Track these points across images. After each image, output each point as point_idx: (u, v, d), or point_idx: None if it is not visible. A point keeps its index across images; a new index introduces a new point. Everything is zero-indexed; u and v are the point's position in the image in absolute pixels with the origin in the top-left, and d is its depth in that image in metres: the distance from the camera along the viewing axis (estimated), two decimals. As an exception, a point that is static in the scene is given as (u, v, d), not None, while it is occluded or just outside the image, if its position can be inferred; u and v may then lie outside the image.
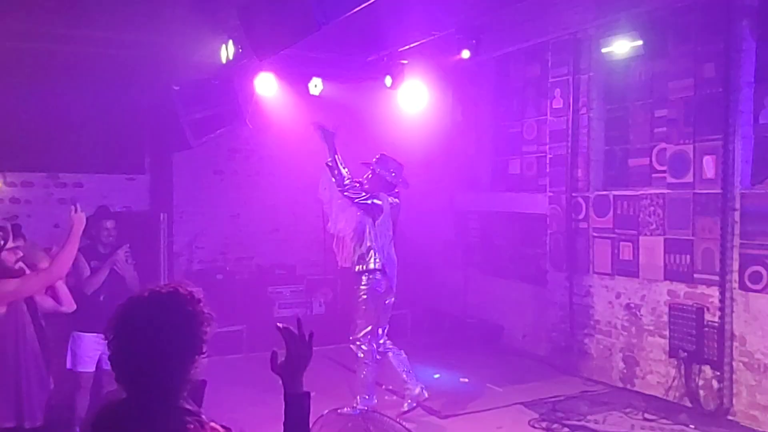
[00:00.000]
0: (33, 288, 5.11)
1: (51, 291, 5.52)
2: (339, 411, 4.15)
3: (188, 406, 2.50)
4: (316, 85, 10.27)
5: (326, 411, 3.99)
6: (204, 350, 2.56)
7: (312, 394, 2.72)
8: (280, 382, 2.76)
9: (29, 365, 5.04)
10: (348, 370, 9.19)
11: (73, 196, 10.31)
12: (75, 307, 5.80)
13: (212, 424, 2.51)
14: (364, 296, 7.69)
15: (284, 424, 2.73)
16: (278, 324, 2.78)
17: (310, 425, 3.61)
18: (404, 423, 6.64)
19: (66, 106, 9.90)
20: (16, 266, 5.18)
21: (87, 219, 5.45)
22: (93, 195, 10.56)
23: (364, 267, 7.69)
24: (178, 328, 2.46)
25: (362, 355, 7.66)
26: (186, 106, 10.11)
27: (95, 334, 6.48)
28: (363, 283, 7.70)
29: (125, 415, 2.45)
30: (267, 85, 9.70)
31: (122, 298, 2.61)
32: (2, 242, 5.14)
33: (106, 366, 6.36)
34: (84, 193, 10.61)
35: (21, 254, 5.30)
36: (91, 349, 6.72)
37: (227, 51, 8.36)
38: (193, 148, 10.50)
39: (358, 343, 7.69)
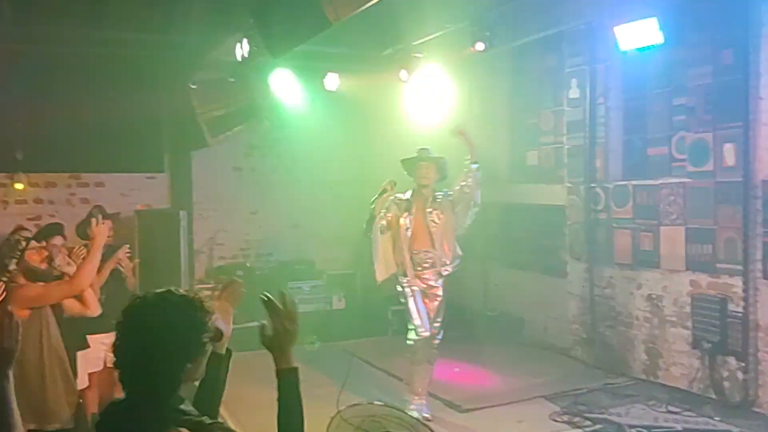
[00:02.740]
0: (55, 297, 5.17)
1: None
2: (357, 406, 4.14)
3: (185, 408, 2.52)
4: (332, 81, 10.27)
5: (344, 407, 3.98)
6: (203, 351, 2.58)
7: (334, 389, 2.73)
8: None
9: (54, 368, 5.09)
10: (369, 364, 9.21)
11: (94, 196, 10.43)
12: (100, 311, 5.82)
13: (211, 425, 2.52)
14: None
15: (278, 400, 2.74)
16: (262, 295, 2.82)
17: (329, 420, 3.61)
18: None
19: (86, 107, 9.96)
20: (42, 266, 5.25)
21: (82, 222, 5.50)
22: (114, 194, 10.68)
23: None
24: (176, 329, 2.48)
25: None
26: (203, 104, 10.16)
27: (100, 335, 6.52)
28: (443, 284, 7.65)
29: (122, 414, 2.50)
30: (283, 82, 9.71)
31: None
32: (24, 243, 5.20)
33: (115, 364, 6.44)
34: (105, 193, 10.73)
35: (46, 254, 5.37)
36: (97, 350, 6.75)
37: (242, 49, 8.37)
38: (211, 146, 10.55)
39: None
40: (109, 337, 6.40)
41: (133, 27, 9.15)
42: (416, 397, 7.48)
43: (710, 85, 7.84)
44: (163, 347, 2.44)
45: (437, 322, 7.58)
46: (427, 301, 7.55)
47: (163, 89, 10.68)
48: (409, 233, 7.51)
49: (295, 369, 2.79)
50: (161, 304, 2.52)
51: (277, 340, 2.77)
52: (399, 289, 7.62)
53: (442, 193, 7.60)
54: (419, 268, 7.55)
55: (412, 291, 7.50)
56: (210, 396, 3.02)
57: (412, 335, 7.49)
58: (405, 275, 7.54)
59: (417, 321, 7.41)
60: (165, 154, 11.58)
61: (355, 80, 10.36)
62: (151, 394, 2.45)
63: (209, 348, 2.63)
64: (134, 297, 2.58)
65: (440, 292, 7.61)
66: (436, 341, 7.61)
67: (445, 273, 7.60)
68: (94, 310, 5.76)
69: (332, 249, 12.36)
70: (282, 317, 2.78)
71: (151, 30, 9.27)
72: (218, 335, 2.76)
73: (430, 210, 7.53)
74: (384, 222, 7.53)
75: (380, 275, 7.70)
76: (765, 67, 7.36)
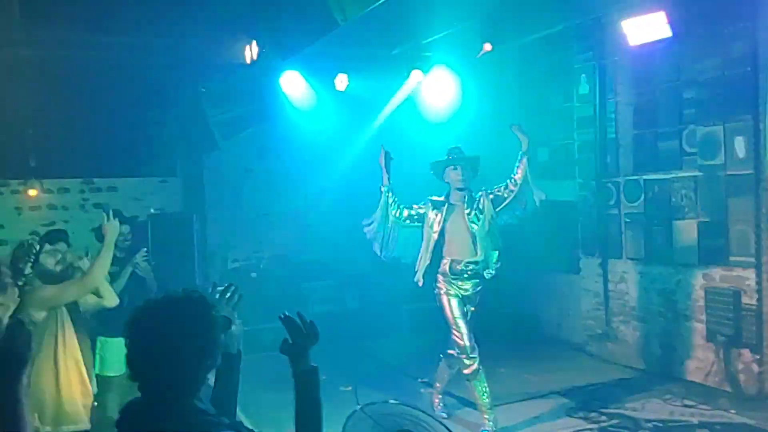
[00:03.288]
0: (71, 295, 5.20)
1: None
2: (372, 406, 4.14)
3: (203, 407, 2.53)
4: (342, 81, 10.30)
5: (359, 407, 3.99)
6: (218, 352, 2.59)
7: (348, 388, 2.78)
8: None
9: (69, 370, 5.12)
10: (383, 363, 9.24)
11: (107, 201, 10.49)
12: (118, 301, 5.94)
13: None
14: None
15: (297, 401, 2.79)
16: (281, 315, 2.87)
17: (345, 419, 3.63)
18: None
19: (98, 113, 10.03)
20: (57, 269, 5.29)
21: (99, 226, 5.57)
22: (127, 199, 10.72)
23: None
24: (191, 330, 2.50)
25: None
26: (214, 107, 10.20)
27: (122, 338, 6.54)
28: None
29: (143, 414, 2.51)
30: (293, 83, 9.73)
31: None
32: (38, 246, 5.25)
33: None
34: (118, 197, 10.77)
35: (60, 256, 5.42)
36: (119, 353, 6.77)
37: (251, 51, 8.40)
38: (222, 149, 10.59)
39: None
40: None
41: (143, 32, 9.19)
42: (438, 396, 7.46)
43: (720, 78, 7.83)
44: (179, 346, 2.46)
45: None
46: (469, 308, 7.15)
47: (173, 93, 10.72)
48: (435, 236, 7.07)
49: (315, 368, 2.81)
50: (169, 305, 2.55)
51: (296, 347, 2.83)
52: (435, 291, 7.23)
53: (482, 191, 7.15)
54: (458, 277, 7.08)
55: (449, 299, 7.09)
56: (226, 396, 3.03)
57: (455, 350, 7.10)
58: (440, 279, 7.15)
59: (461, 341, 6.99)
60: (177, 157, 11.62)
61: (365, 80, 10.38)
62: (173, 394, 2.47)
63: (221, 341, 2.63)
64: (146, 301, 2.61)
65: (477, 300, 7.21)
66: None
67: (488, 276, 7.14)
68: (111, 301, 5.85)
69: (345, 249, 12.36)
70: (299, 332, 2.84)
71: (161, 34, 9.31)
72: (227, 324, 2.78)
73: (468, 211, 7.05)
74: (413, 212, 7.22)
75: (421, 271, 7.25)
76: (775, 58, 7.36)
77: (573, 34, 9.70)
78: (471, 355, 6.93)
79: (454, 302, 7.06)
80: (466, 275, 7.06)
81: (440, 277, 7.14)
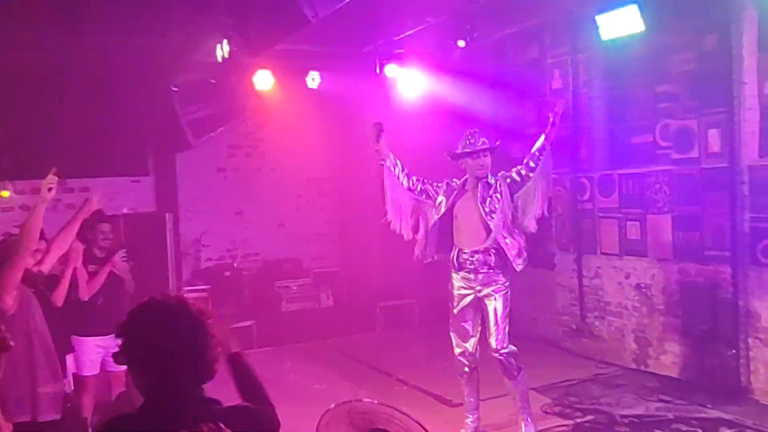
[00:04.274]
0: (19, 262, 5.07)
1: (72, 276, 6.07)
2: (345, 403, 4.07)
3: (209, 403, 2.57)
4: (313, 79, 10.24)
5: (332, 405, 3.92)
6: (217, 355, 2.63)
7: (325, 387, 2.76)
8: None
9: (42, 361, 5.12)
10: (358, 361, 9.18)
11: (80, 202, 10.35)
12: (88, 297, 6.29)
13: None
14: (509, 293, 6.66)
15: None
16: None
17: (319, 418, 3.59)
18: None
19: (69, 113, 9.92)
20: (34, 269, 5.35)
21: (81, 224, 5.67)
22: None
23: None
24: (192, 332, 2.53)
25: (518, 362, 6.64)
26: (185, 106, 10.10)
27: (97, 337, 6.50)
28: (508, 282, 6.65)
29: (144, 420, 2.50)
30: (265, 81, 9.66)
31: (120, 300, 2.64)
32: None
33: (112, 368, 6.42)
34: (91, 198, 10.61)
35: (40, 257, 5.42)
36: (93, 353, 6.69)
37: (222, 50, 8.32)
38: (194, 148, 10.49)
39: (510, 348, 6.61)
40: (106, 340, 6.47)
41: (113, 31, 9.08)
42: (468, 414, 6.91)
43: (693, 72, 7.83)
44: (177, 345, 2.49)
45: (496, 331, 6.54)
46: (487, 303, 6.56)
47: (144, 92, 10.61)
48: (437, 218, 6.62)
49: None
50: (170, 309, 2.55)
51: None
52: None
53: (500, 174, 6.63)
54: (464, 268, 6.61)
55: (453, 294, 6.75)
56: (250, 389, 3.02)
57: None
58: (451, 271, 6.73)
59: (453, 337, 6.78)
60: (149, 157, 11.52)
61: (337, 78, 10.32)
62: (177, 392, 2.50)
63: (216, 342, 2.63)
64: (143, 304, 2.60)
65: (498, 294, 6.53)
66: (498, 356, 6.57)
67: (516, 269, 6.56)
68: (84, 294, 6.21)
69: (318, 246, 12.36)
70: None
71: (131, 34, 9.20)
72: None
73: (482, 197, 6.49)
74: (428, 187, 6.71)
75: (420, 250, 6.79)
76: (748, 51, 7.36)
77: (546, 28, 9.69)
78: (464, 361, 6.76)
79: (457, 299, 6.70)
80: (471, 266, 6.54)
81: (451, 269, 6.73)
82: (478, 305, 6.64)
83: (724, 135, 7.52)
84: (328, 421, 3.95)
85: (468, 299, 6.64)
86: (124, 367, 2.67)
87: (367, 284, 11.75)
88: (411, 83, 9.72)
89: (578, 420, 7.13)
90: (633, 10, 7.84)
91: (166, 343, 2.47)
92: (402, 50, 9.36)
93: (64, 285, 6.32)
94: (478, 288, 6.56)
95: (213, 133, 10.49)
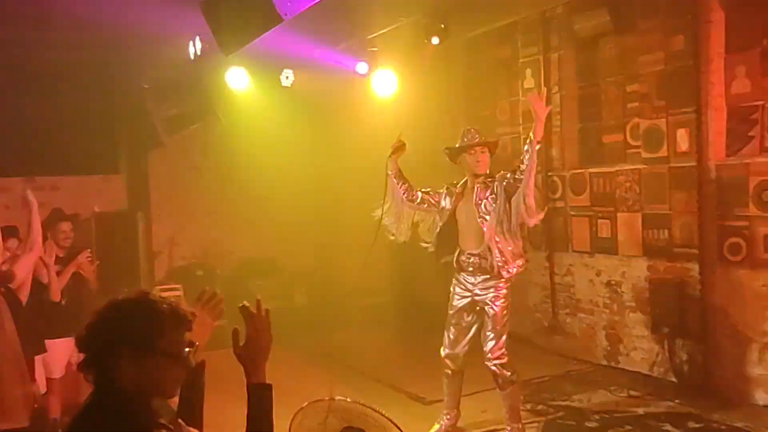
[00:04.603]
0: None
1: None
2: (319, 401, 4.10)
3: (162, 417, 2.44)
4: (287, 77, 10.20)
5: (306, 403, 3.94)
6: (178, 351, 2.49)
7: (298, 387, 2.69)
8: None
9: (9, 365, 5.07)
10: (332, 359, 9.18)
11: (50, 200, 10.27)
12: (59, 297, 6.20)
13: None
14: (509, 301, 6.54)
15: (247, 416, 2.68)
16: (240, 304, 2.76)
17: (292, 416, 3.57)
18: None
19: (39, 110, 9.85)
20: (3, 267, 5.36)
21: (42, 223, 5.67)
22: (70, 197, 10.49)
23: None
24: (141, 329, 2.40)
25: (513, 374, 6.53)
26: (157, 104, 10.06)
27: (61, 339, 6.42)
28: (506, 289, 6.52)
29: (93, 416, 2.40)
30: (238, 80, 9.61)
31: (84, 301, 2.59)
32: None
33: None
34: (61, 196, 10.51)
35: (9, 255, 5.38)
36: (59, 355, 6.63)
37: (195, 47, 8.29)
38: (166, 146, 10.46)
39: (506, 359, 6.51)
40: (70, 341, 6.41)
41: (83, 27, 9.00)
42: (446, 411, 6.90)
43: (662, 72, 7.92)
44: (122, 338, 2.37)
45: (492, 338, 6.43)
46: (485, 309, 6.46)
47: (115, 90, 10.54)
48: (440, 222, 6.64)
49: (268, 386, 2.71)
50: (124, 307, 2.45)
51: (250, 350, 2.72)
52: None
53: (500, 174, 6.46)
54: (464, 271, 6.56)
55: (452, 294, 6.68)
56: (190, 409, 2.91)
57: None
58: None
59: (444, 337, 6.75)
60: (120, 155, 11.45)
61: (311, 76, 10.30)
62: (116, 391, 2.37)
63: (185, 354, 2.51)
64: (106, 306, 2.49)
65: (496, 301, 6.41)
66: (491, 365, 6.48)
67: (506, 275, 6.39)
68: (54, 296, 6.18)
69: (292, 245, 12.33)
70: (256, 321, 2.74)
71: (102, 30, 9.13)
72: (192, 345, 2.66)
73: (480, 198, 6.39)
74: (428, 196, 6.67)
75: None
76: (715, 52, 7.44)
77: (518, 28, 9.75)
78: (448, 362, 6.77)
79: (455, 300, 6.63)
80: (470, 268, 6.48)
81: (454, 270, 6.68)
82: (475, 309, 6.58)
83: (692, 134, 7.61)
84: (301, 419, 3.97)
85: (464, 301, 6.59)
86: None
87: (341, 282, 11.75)
88: (384, 81, 9.73)
89: (550, 416, 7.19)
90: (603, 10, 7.92)
91: (116, 346, 2.37)
92: (375, 48, 9.36)
93: (63, 281, 6.38)
94: (476, 292, 6.49)
95: (185, 131, 10.47)
